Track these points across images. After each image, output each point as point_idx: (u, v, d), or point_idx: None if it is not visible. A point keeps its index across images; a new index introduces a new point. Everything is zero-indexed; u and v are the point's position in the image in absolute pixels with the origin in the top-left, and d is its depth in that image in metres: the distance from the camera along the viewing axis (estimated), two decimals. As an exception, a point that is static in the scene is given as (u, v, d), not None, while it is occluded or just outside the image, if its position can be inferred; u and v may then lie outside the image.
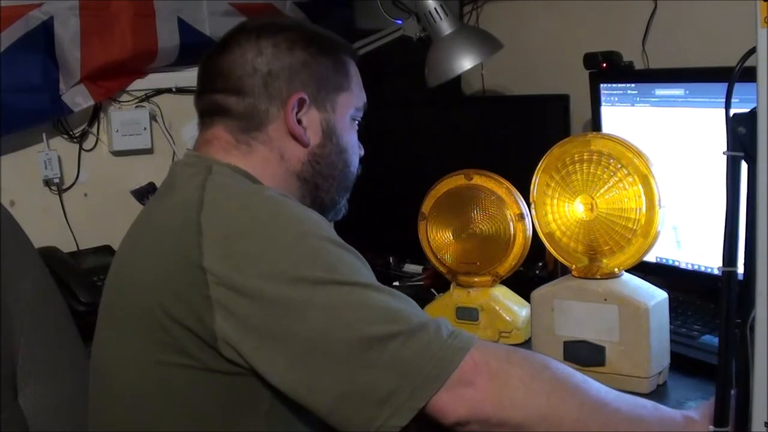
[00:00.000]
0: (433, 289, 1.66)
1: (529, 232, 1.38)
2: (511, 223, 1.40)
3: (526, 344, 1.34)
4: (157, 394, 1.00)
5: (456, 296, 1.44)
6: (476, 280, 1.44)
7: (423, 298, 1.59)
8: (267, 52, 1.11)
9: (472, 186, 1.44)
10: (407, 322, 0.92)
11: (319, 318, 0.91)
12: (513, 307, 1.42)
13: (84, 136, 1.95)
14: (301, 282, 0.92)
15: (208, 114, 1.15)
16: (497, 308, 1.40)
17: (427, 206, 1.48)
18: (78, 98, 1.86)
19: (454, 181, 1.45)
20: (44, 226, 1.85)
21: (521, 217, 1.39)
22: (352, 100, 1.18)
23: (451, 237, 1.47)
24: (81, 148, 1.95)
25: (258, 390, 0.96)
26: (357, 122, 1.20)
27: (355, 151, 1.20)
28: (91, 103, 1.89)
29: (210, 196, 1.01)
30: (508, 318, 1.40)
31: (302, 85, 1.11)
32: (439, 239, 1.47)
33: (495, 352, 0.95)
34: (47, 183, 1.91)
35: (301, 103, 1.11)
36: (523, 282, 1.47)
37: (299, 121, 1.12)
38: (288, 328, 0.92)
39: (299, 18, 2.14)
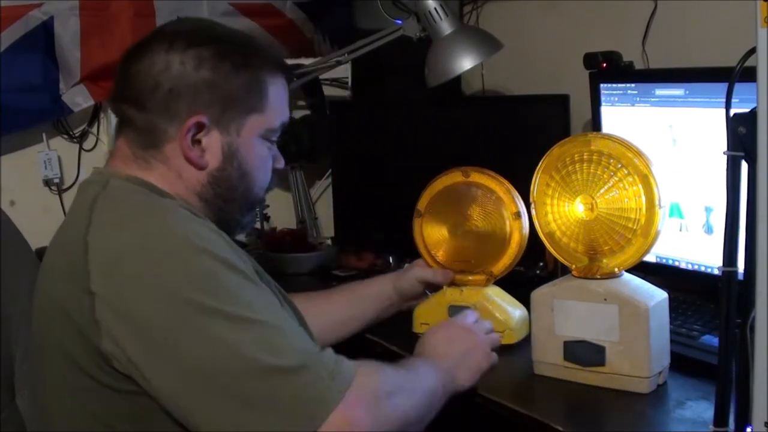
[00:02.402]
0: (426, 290, 1.64)
1: (526, 231, 1.38)
2: (507, 222, 1.39)
3: (523, 344, 1.34)
4: (82, 418, 0.99)
5: (449, 295, 1.44)
6: (470, 278, 1.43)
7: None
8: (173, 68, 1.05)
9: (470, 183, 1.43)
10: (288, 361, 0.92)
11: (202, 351, 0.91)
12: (506, 307, 1.40)
13: (84, 136, 1.95)
14: (188, 306, 0.92)
15: (119, 121, 1.12)
16: (490, 308, 1.39)
17: (423, 203, 1.47)
18: (78, 98, 1.87)
19: (452, 178, 1.45)
20: (44, 226, 1.81)
21: (518, 215, 1.38)
22: (265, 122, 1.12)
23: (447, 234, 1.46)
24: (81, 148, 1.95)
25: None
26: (273, 140, 1.15)
27: (262, 170, 1.14)
28: (91, 103, 1.89)
29: (98, 214, 1.00)
30: (500, 317, 1.39)
31: (204, 107, 1.06)
32: (434, 236, 1.47)
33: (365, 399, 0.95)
34: (47, 183, 1.91)
35: (199, 127, 1.07)
36: (523, 282, 1.47)
37: (199, 142, 1.07)
38: (171, 360, 0.92)
39: (300, 19, 2.14)
